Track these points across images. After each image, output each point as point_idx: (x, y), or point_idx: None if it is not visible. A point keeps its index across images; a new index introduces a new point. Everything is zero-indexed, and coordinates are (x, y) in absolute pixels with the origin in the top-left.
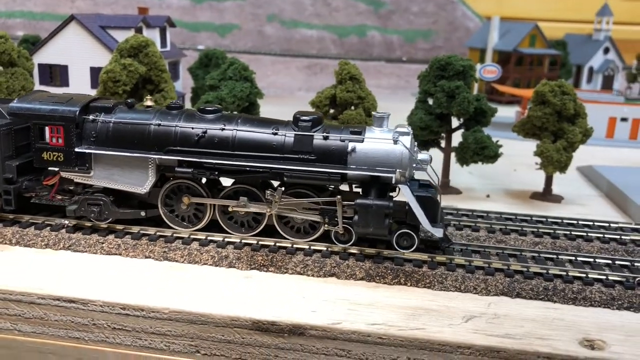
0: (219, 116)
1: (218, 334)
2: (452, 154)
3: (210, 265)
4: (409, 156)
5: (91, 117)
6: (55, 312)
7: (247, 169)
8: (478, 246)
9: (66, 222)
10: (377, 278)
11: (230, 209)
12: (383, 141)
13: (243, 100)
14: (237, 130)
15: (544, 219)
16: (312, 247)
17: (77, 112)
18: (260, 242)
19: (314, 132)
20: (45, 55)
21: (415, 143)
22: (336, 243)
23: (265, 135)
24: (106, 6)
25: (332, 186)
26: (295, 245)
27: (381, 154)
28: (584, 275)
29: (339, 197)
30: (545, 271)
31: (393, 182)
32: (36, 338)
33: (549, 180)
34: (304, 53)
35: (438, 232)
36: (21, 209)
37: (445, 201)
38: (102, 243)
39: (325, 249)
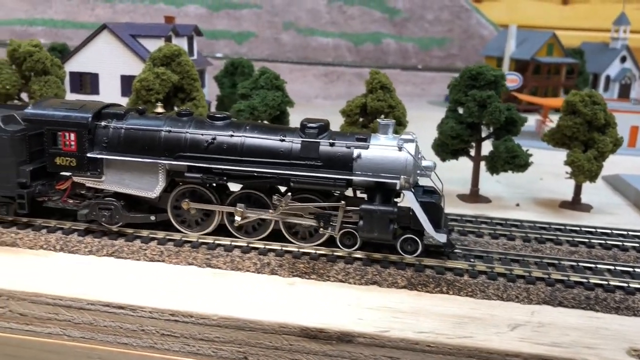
0: (227, 123)
1: (266, 340)
2: (482, 163)
3: (252, 272)
4: (414, 163)
5: (103, 123)
6: (104, 318)
7: (255, 174)
8: (516, 255)
9: (105, 229)
10: (419, 286)
11: (235, 222)
12: (388, 148)
13: (274, 109)
14: (246, 136)
15: (578, 228)
16: (353, 255)
17: (90, 119)
18: (301, 250)
19: (321, 138)
20: (77, 64)
21: (420, 150)
22: (341, 247)
23: (272, 142)
24: (125, 14)
25: (338, 192)
26: (336, 253)
27: (386, 160)
28: (625, 284)
29: (342, 202)
30: (586, 280)
31: (398, 188)
32: (85, 343)
33: (578, 190)
34: (320, 61)
35: (441, 238)
36: (33, 213)
37: (476, 210)
38: (145, 250)
39: (365, 257)
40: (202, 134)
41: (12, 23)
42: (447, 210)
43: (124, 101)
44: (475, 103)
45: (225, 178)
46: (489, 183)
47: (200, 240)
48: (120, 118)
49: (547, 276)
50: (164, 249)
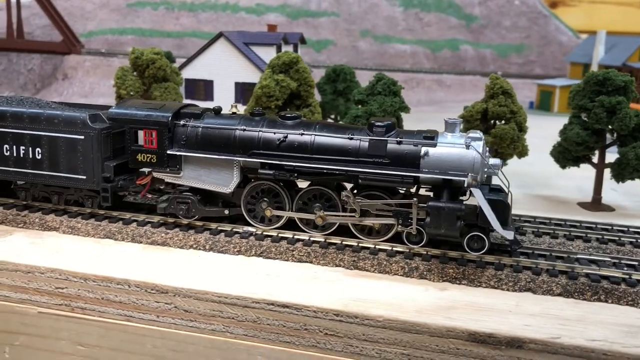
0: (298, 122)
1: (432, 343)
2: (606, 170)
3: (400, 275)
4: (481, 161)
5: (182, 122)
6: (268, 316)
7: (325, 171)
8: None
9: (253, 230)
10: (576, 294)
11: (317, 221)
12: (455, 146)
13: (391, 114)
14: (316, 135)
15: None
16: (502, 262)
17: (170, 118)
18: (447, 255)
19: (388, 137)
20: (193, 71)
21: (487, 148)
22: (407, 243)
23: (341, 140)
24: (208, 23)
25: (404, 189)
26: (484, 259)
27: (454, 158)
28: None
29: (415, 199)
30: None
31: (465, 185)
32: (247, 341)
33: None
34: (397, 67)
35: (509, 235)
36: (115, 206)
37: (603, 218)
38: (292, 251)
39: (516, 263)
40: (274, 133)
41: (104, 33)
42: (573, 217)
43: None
44: (603, 109)
45: (296, 174)
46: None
47: (344, 243)
48: (198, 117)
49: None
50: (311, 250)
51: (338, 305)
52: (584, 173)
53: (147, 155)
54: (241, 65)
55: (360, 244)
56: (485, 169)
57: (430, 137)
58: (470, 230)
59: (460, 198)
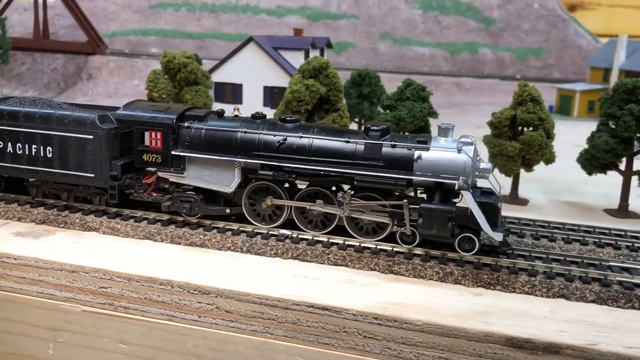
0: (297, 125)
1: (470, 348)
2: (633, 177)
3: (435, 280)
4: (472, 165)
5: (186, 124)
6: (307, 318)
7: (322, 173)
8: None
9: (288, 232)
10: (609, 301)
11: (308, 208)
12: (448, 150)
13: (420, 120)
14: (314, 138)
15: None
16: (535, 268)
17: (174, 120)
18: (481, 261)
19: (383, 140)
20: (222, 74)
21: (478, 152)
22: (400, 244)
23: (338, 143)
24: (229, 24)
25: (399, 191)
26: (517, 266)
27: (445, 162)
28: None
29: (405, 200)
30: None
31: (456, 188)
32: (286, 341)
33: None
34: (416, 70)
35: (498, 236)
36: (121, 204)
37: (631, 225)
38: (328, 254)
39: (549, 270)
40: (274, 135)
41: (127, 33)
42: (601, 224)
43: (266, 110)
44: (632, 117)
45: (294, 176)
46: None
47: (379, 247)
48: (201, 120)
49: None
50: (346, 254)
51: (377, 308)
52: (609, 179)
53: (153, 155)
54: (270, 69)
55: (394, 248)
56: (477, 173)
57: (424, 141)
58: (462, 231)
59: (454, 200)
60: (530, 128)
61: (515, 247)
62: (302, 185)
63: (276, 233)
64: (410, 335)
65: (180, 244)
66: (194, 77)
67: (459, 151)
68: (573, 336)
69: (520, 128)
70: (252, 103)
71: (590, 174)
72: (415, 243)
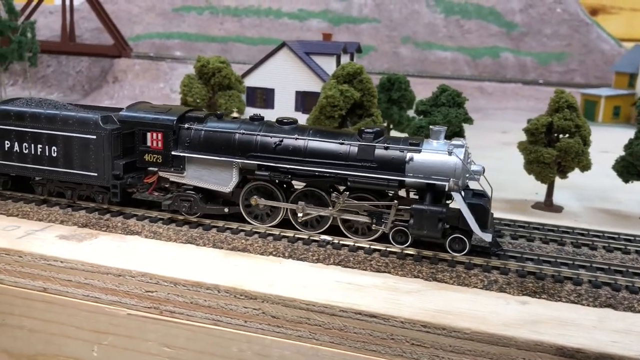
0: (293, 127)
1: (519, 356)
2: None
3: (480, 288)
4: (462, 167)
5: (186, 125)
6: (355, 325)
7: (317, 173)
8: None
9: (330, 238)
10: None
11: (299, 219)
12: (439, 152)
13: (456, 126)
14: (309, 139)
15: None
16: (580, 277)
17: (175, 121)
18: (525, 269)
19: (376, 142)
20: (255, 79)
21: (469, 154)
22: (393, 244)
23: (333, 145)
24: (252, 28)
25: (391, 192)
26: (562, 274)
27: (436, 164)
28: None
29: (395, 202)
30: None
31: (447, 189)
32: (333, 348)
33: None
34: (438, 74)
35: (487, 237)
36: (124, 202)
37: None
38: (370, 261)
39: (595, 279)
40: (271, 137)
41: (151, 37)
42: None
43: (298, 115)
44: None
45: (290, 176)
46: None
47: (422, 254)
48: (201, 121)
49: None
50: (389, 261)
51: (425, 316)
52: None
53: (154, 155)
54: (302, 74)
55: (437, 256)
56: (467, 175)
57: (416, 143)
58: (453, 232)
59: (447, 202)
60: (567, 135)
61: (557, 255)
62: (300, 186)
63: (317, 238)
64: (458, 343)
65: (222, 248)
66: (228, 82)
67: (450, 153)
68: (625, 347)
69: (556, 135)
70: (283, 108)
71: (626, 181)
72: (408, 243)
